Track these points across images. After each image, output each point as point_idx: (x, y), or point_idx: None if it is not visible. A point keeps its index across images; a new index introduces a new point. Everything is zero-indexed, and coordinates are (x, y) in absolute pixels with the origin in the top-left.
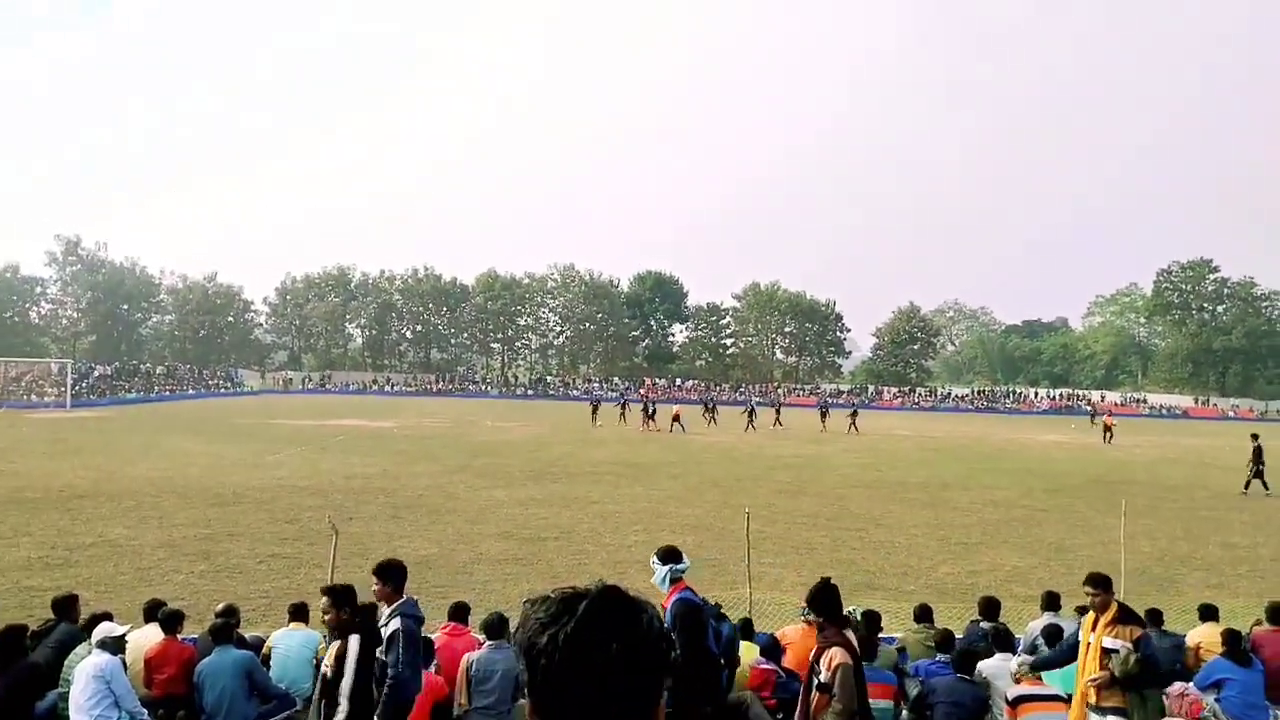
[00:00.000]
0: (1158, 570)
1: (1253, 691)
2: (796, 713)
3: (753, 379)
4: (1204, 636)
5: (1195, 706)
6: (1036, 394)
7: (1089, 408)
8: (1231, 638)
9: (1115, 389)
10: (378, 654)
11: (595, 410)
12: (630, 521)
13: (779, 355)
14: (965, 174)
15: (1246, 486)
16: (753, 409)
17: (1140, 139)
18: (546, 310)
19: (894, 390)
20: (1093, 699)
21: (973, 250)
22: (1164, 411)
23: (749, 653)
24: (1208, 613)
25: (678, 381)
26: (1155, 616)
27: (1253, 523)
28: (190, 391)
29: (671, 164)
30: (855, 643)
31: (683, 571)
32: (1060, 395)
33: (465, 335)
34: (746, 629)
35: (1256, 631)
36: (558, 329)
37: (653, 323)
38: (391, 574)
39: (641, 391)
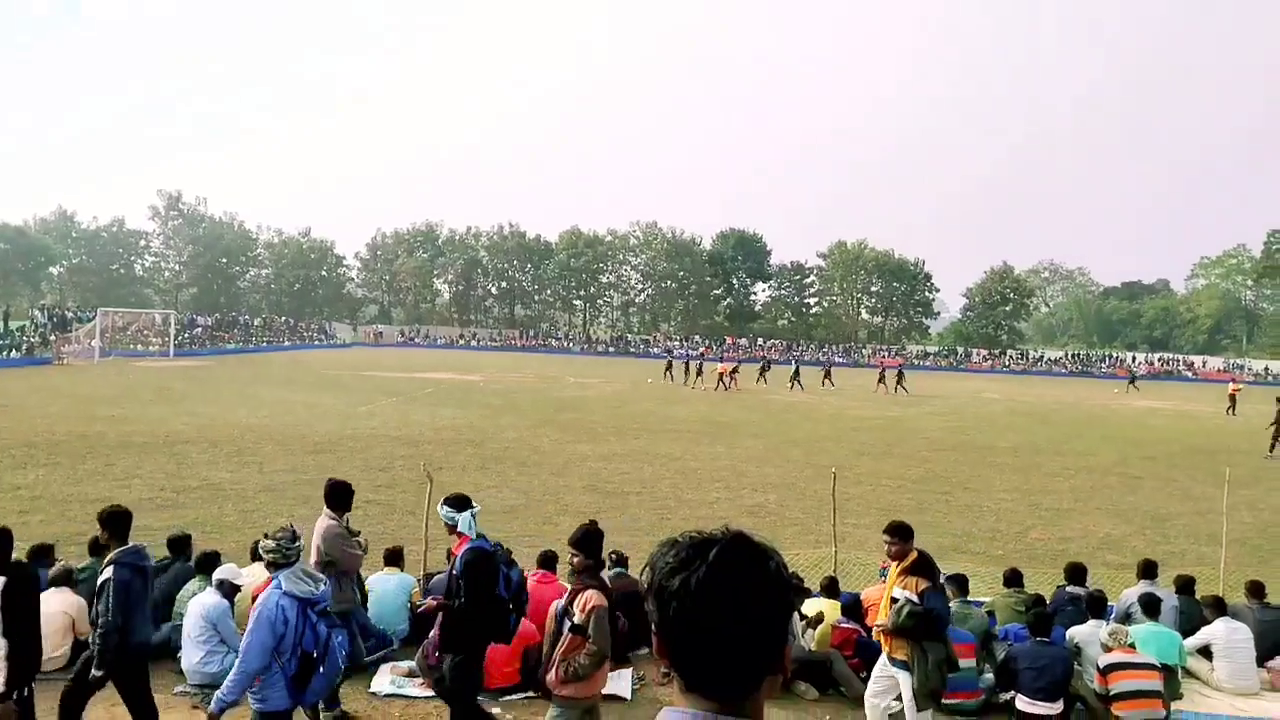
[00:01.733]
0: (1259, 541)
1: None
2: (543, 655)
3: (836, 339)
4: None
5: None
6: (1134, 359)
7: (1127, 373)
8: None
9: (1218, 354)
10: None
11: (669, 368)
12: (711, 479)
13: (864, 315)
14: (1066, 131)
15: (1271, 449)
16: (798, 369)
17: (1248, 94)
18: (628, 268)
19: (983, 353)
20: (885, 648)
21: (1072, 208)
22: (1270, 379)
23: (832, 612)
24: None
25: (759, 341)
26: (1257, 589)
27: None
28: (286, 343)
29: (759, 118)
30: (610, 587)
31: (475, 514)
32: (1159, 360)
33: (548, 292)
34: (831, 588)
35: None
36: (639, 286)
37: (734, 281)
38: (108, 522)
39: (703, 350)
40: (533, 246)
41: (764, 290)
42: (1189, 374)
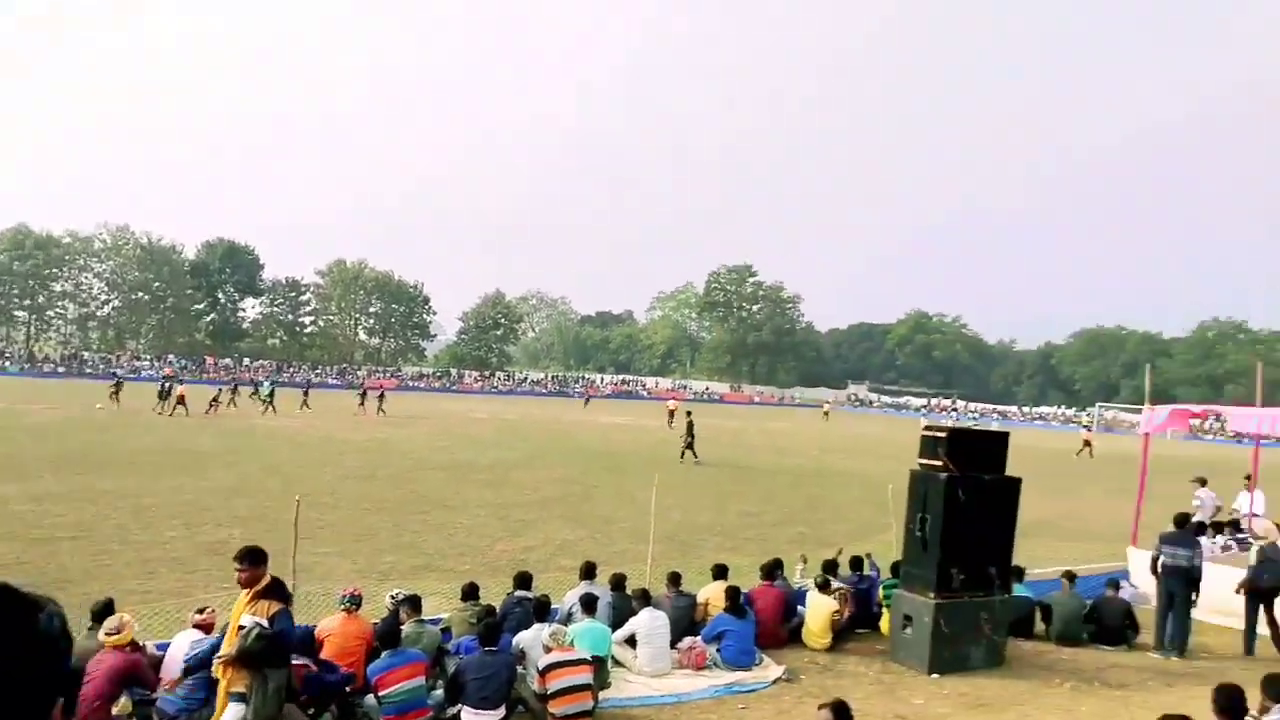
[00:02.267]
0: (684, 536)
1: (745, 639)
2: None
3: (332, 359)
4: (712, 593)
5: (700, 656)
6: (602, 379)
7: (581, 392)
8: (732, 594)
9: (668, 375)
10: None
11: (117, 390)
12: (168, 516)
13: (362, 336)
14: (549, 178)
15: (682, 456)
16: (271, 389)
17: (692, 163)
18: (91, 275)
19: (475, 374)
20: (223, 681)
21: (557, 244)
22: (705, 397)
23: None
24: (719, 572)
25: (245, 361)
26: (674, 579)
27: (763, 494)
28: None
29: (250, 114)
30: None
31: None
32: (622, 380)
33: None
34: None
35: (752, 587)
36: (103, 298)
37: (221, 296)
38: None
39: (167, 371)
40: None
41: (255, 307)
42: (644, 393)
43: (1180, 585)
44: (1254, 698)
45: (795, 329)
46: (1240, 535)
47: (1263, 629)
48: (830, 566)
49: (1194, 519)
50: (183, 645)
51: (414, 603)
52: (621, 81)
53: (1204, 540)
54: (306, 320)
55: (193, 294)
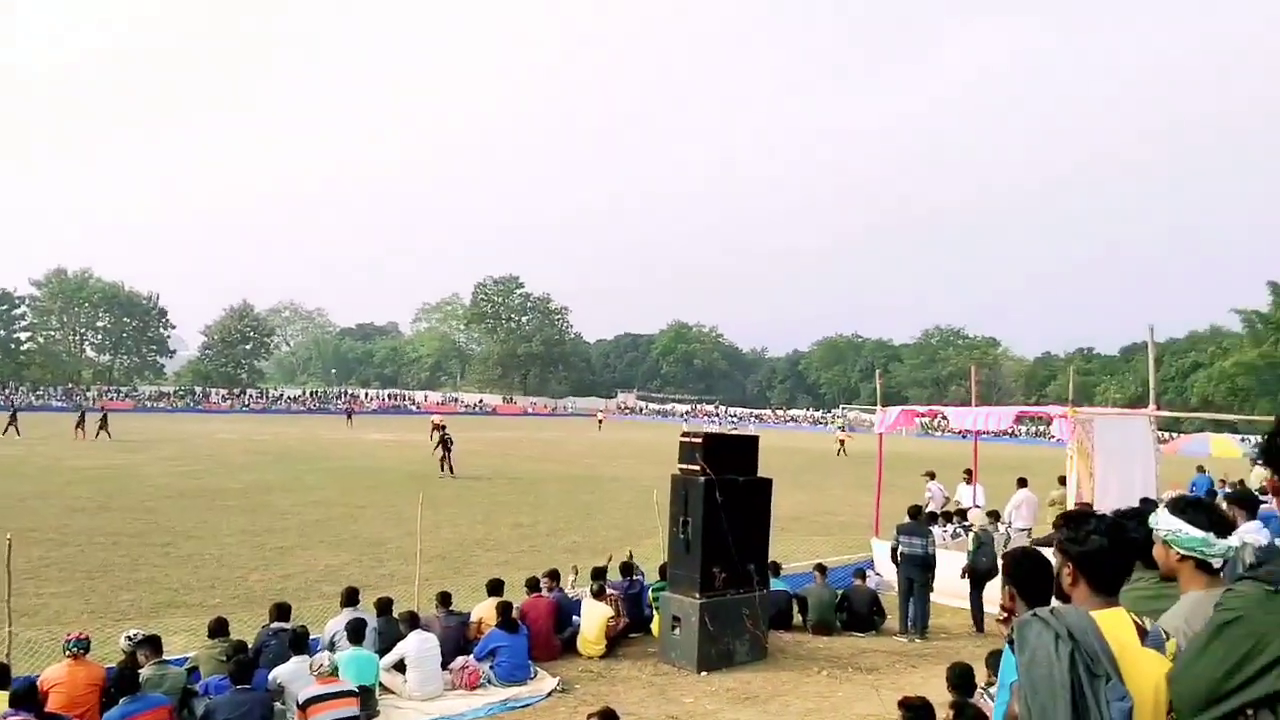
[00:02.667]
0: (457, 554)
1: (519, 654)
2: None
3: (56, 379)
4: (485, 611)
5: (473, 676)
6: (367, 394)
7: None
8: (503, 609)
9: (438, 389)
10: None
11: None
12: None
13: (90, 353)
14: (303, 178)
15: (442, 470)
16: None
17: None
18: None
19: (223, 392)
20: None
21: (311, 252)
22: (477, 409)
23: (0, 704)
24: (494, 588)
25: None
26: (445, 598)
27: (536, 505)
28: None
29: None
30: None
31: None
32: (389, 395)
33: None
34: (2, 677)
35: (523, 601)
36: None
37: None
38: None
39: None
40: None
41: None
42: (413, 407)
43: (918, 572)
44: (981, 672)
45: (565, 339)
46: (967, 524)
47: (990, 607)
48: (600, 573)
49: (926, 510)
50: None
51: (153, 643)
52: (388, 83)
53: (935, 529)
54: (23, 337)
55: None
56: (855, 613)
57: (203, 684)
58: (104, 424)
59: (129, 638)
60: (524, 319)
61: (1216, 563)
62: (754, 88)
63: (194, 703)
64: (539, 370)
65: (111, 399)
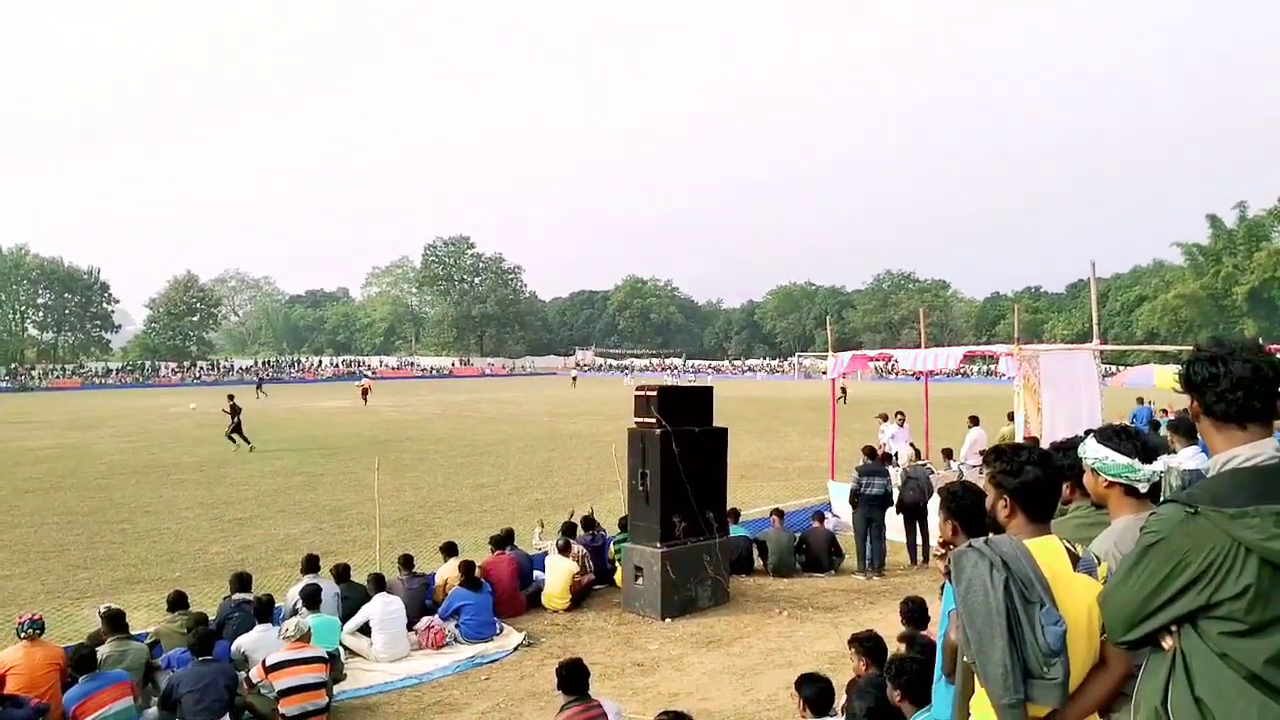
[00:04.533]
0: (419, 516)
1: (483, 611)
2: None
3: None
4: (449, 571)
5: (439, 635)
6: (321, 362)
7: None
8: (466, 568)
9: (393, 354)
10: None
11: None
12: None
13: (32, 332)
14: (240, 146)
15: (237, 443)
16: None
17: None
18: None
19: (173, 366)
20: None
21: (254, 219)
22: (434, 372)
23: None
24: (449, 550)
25: None
26: (407, 561)
27: (497, 464)
28: None
29: None
30: None
31: None
32: (343, 362)
33: None
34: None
35: (485, 559)
36: None
37: None
38: None
39: None
40: None
41: None
42: (369, 373)
43: (878, 512)
44: (935, 606)
45: (520, 299)
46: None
47: (931, 541)
48: (569, 529)
49: (880, 451)
50: None
51: (113, 619)
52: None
53: (890, 469)
54: None
55: None
56: (813, 554)
57: (165, 658)
58: None
59: (101, 611)
60: (477, 280)
61: (1143, 487)
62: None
63: (157, 677)
64: (495, 331)
65: (56, 378)
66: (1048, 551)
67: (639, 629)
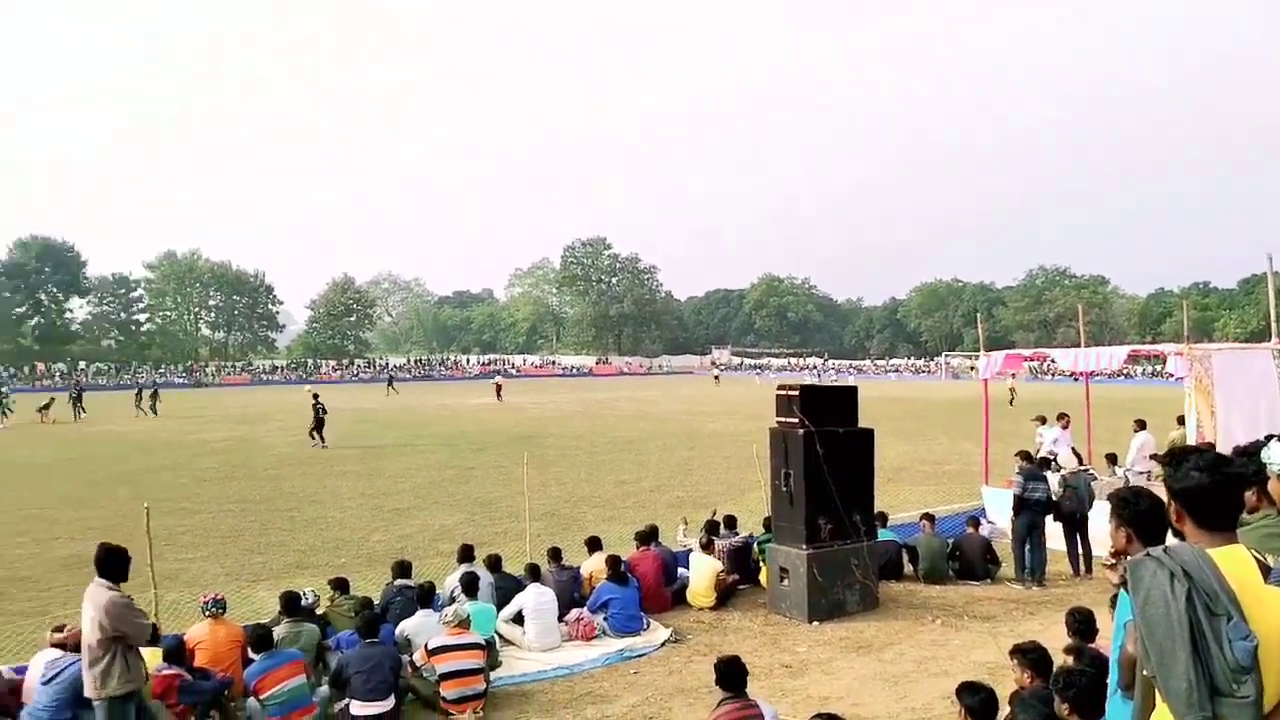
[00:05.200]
0: (565, 510)
1: (631, 605)
2: None
3: (175, 358)
4: (595, 565)
5: (588, 627)
6: (468, 360)
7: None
8: (613, 562)
9: (535, 353)
10: None
11: None
12: (13, 532)
13: (205, 331)
14: (384, 142)
15: (319, 439)
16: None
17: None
18: None
19: (333, 363)
20: None
21: (405, 223)
22: (574, 371)
23: (152, 659)
24: (593, 544)
25: (81, 365)
26: (555, 554)
27: (637, 461)
28: None
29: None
30: None
31: None
32: (483, 361)
33: None
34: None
35: (631, 554)
36: None
37: (43, 297)
38: None
39: None
40: None
41: (82, 307)
42: (514, 372)
43: (1042, 518)
44: (1104, 618)
45: (655, 298)
46: (1084, 468)
47: (1099, 549)
48: (712, 527)
49: (1039, 455)
50: (39, 666)
51: (288, 601)
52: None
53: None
54: (142, 318)
55: (10, 297)
56: (968, 561)
57: (334, 639)
58: (154, 400)
59: (306, 592)
60: (614, 280)
61: None
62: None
63: (328, 657)
64: (632, 330)
65: (228, 374)
66: (1234, 562)
67: (786, 630)
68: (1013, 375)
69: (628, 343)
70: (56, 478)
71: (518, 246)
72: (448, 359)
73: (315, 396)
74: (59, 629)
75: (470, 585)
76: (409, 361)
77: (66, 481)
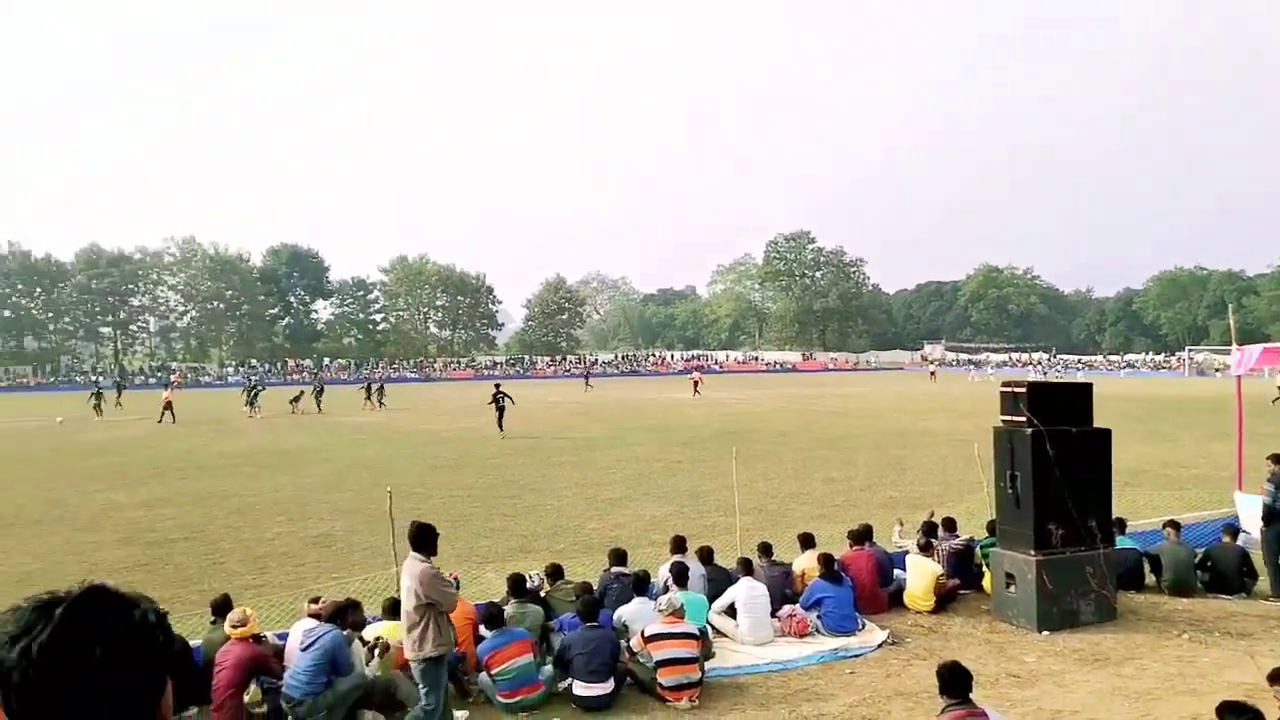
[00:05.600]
0: (773, 506)
1: (845, 605)
2: None
3: (407, 354)
4: (807, 562)
5: (801, 624)
6: (672, 355)
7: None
8: (826, 561)
9: (738, 348)
10: None
11: (98, 399)
12: (272, 513)
13: (433, 329)
14: (600, 156)
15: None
16: (320, 388)
17: (761, 129)
18: (165, 289)
19: (546, 359)
20: None
21: (605, 224)
22: (777, 366)
23: (394, 632)
24: (806, 541)
25: (325, 361)
26: (765, 549)
27: (845, 459)
28: None
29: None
30: None
31: None
32: (693, 356)
33: (67, 320)
34: (393, 608)
35: (844, 553)
36: (181, 309)
37: (292, 299)
38: None
39: (174, 378)
40: (41, 268)
41: (326, 308)
42: (717, 368)
43: None
44: None
45: (862, 292)
46: None
47: None
48: (930, 529)
49: None
50: (298, 634)
51: (515, 583)
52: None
53: None
54: (377, 318)
55: (265, 300)
56: (1220, 573)
57: (557, 621)
58: (380, 393)
59: (531, 575)
60: (818, 274)
61: None
62: None
63: (551, 638)
64: (837, 325)
65: (453, 369)
66: None
67: (1013, 639)
68: (1250, 371)
69: (833, 338)
70: (307, 464)
71: (719, 245)
72: (653, 355)
73: (497, 386)
74: (314, 600)
75: (680, 575)
76: (616, 357)
77: (315, 467)
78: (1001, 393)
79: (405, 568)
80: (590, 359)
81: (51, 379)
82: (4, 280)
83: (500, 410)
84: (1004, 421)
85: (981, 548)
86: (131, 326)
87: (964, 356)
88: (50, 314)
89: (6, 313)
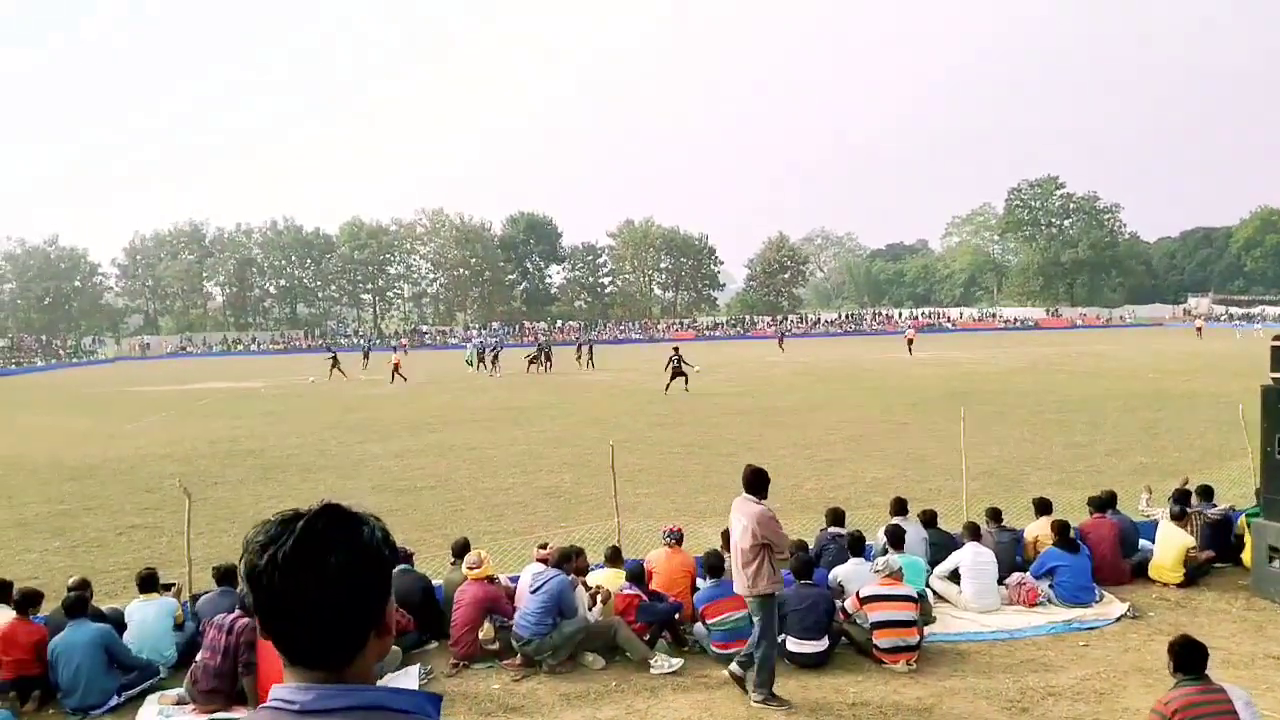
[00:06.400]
0: (1004, 471)
1: (1081, 575)
2: None
3: (633, 316)
4: (1040, 529)
5: (1031, 593)
6: (900, 314)
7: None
8: (1061, 528)
9: (973, 305)
10: None
11: (365, 357)
12: (507, 465)
13: (656, 291)
14: (819, 103)
15: (667, 389)
16: (546, 349)
17: (990, 69)
18: (417, 258)
19: (767, 319)
20: None
21: (836, 178)
22: (1018, 324)
23: (615, 580)
24: (1042, 507)
25: (558, 323)
26: (995, 514)
27: (1091, 422)
28: (39, 363)
29: (531, 101)
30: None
31: None
32: (923, 314)
33: (333, 287)
34: (614, 557)
35: (1083, 521)
36: (431, 276)
37: (529, 265)
38: None
39: (402, 341)
40: (312, 241)
41: (558, 273)
42: (949, 325)
43: None
44: None
45: (1117, 242)
46: None
47: None
48: (1182, 496)
49: None
50: (528, 577)
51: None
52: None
53: None
54: (606, 281)
55: (504, 266)
56: None
57: None
58: (590, 354)
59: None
60: (1066, 223)
61: None
62: None
63: None
64: (1087, 278)
65: (676, 330)
66: None
67: (1273, 618)
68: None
69: (1081, 292)
70: (540, 419)
71: (956, 196)
72: (878, 313)
73: (675, 349)
74: (543, 546)
75: (896, 538)
76: (839, 316)
77: (547, 422)
78: (1273, 347)
79: (738, 507)
80: (814, 317)
81: (320, 340)
82: (281, 253)
83: (676, 374)
84: (1274, 379)
85: (1245, 517)
86: (389, 293)
87: (1234, 310)
88: (319, 282)
89: (283, 282)
